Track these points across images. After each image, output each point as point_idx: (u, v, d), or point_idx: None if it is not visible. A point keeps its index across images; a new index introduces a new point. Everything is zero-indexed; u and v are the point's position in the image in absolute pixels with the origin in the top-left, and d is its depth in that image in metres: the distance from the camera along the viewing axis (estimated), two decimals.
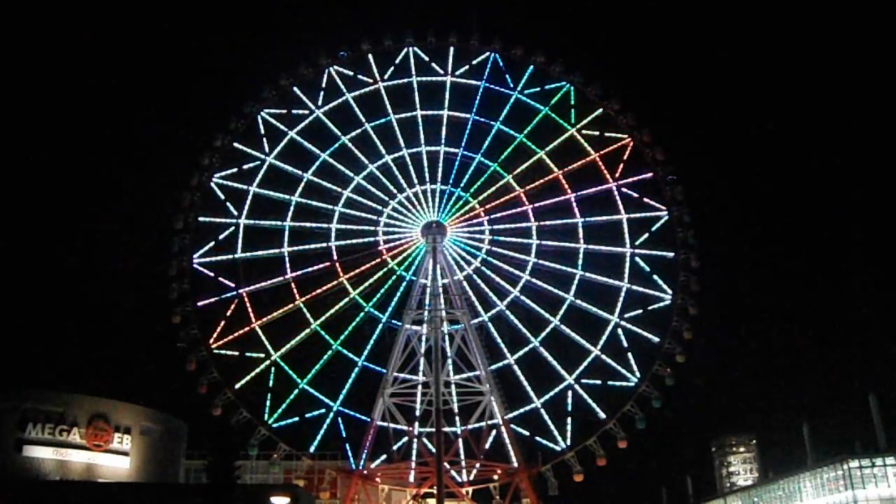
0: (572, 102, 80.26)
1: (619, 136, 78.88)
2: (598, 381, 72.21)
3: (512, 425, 72.15)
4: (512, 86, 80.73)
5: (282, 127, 77.37)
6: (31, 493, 54.30)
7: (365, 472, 71.16)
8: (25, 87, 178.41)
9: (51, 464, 61.06)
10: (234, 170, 75.77)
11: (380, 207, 76.33)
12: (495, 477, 72.65)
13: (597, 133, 79.26)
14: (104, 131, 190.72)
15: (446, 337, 73.68)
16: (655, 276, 74.76)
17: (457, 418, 73.45)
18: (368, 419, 71.80)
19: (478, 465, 72.18)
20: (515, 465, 71.07)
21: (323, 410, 70.38)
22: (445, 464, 70.05)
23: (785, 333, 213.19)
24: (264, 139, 76.84)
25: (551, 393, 71.77)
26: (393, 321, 73.89)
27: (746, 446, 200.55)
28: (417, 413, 72.88)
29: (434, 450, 64.70)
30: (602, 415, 71.29)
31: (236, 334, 71.15)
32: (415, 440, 72.05)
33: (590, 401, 71.50)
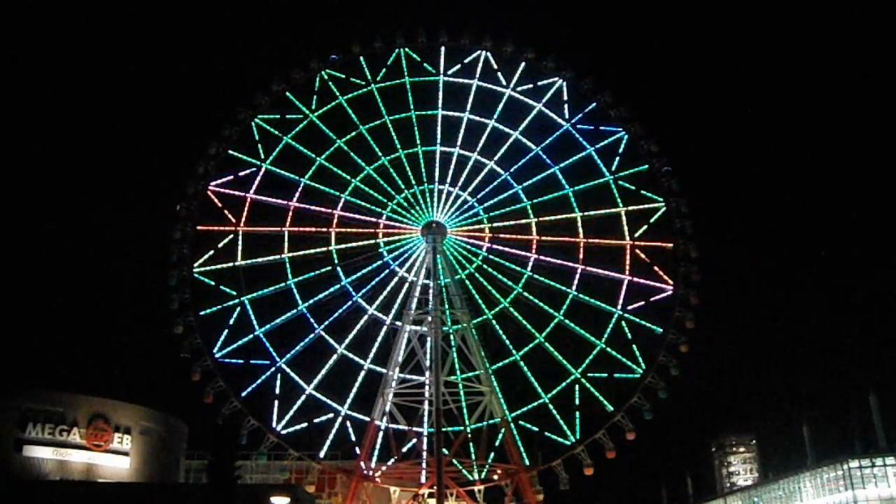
0: (565, 98, 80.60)
1: (614, 129, 79.17)
2: (604, 374, 72.45)
3: (521, 421, 72.33)
4: (504, 83, 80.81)
5: (276, 132, 76.97)
6: (31, 493, 54.22)
7: (365, 472, 70.94)
8: (23, 98, 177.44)
9: (51, 464, 61.10)
10: (231, 177, 75.25)
11: (378, 209, 76.12)
12: (496, 477, 72.86)
13: (591, 127, 79.63)
14: (101, 140, 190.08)
15: (451, 336, 73.75)
16: (656, 268, 75.18)
17: (464, 418, 73.47)
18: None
19: (481, 464, 72.23)
20: (515, 465, 71.14)
21: (331, 415, 70.19)
22: (456, 463, 70.44)
23: (785, 332, 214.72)
24: (259, 145, 76.42)
25: (558, 388, 71.96)
26: (397, 322, 73.78)
27: (746, 446, 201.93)
28: (423, 413, 72.67)
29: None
30: (610, 407, 71.50)
31: (240, 342, 70.75)
32: (416, 440, 71.98)
33: (597, 394, 71.76)
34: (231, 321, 70.95)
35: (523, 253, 75.63)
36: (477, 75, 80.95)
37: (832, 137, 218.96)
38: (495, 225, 76.95)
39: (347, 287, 73.41)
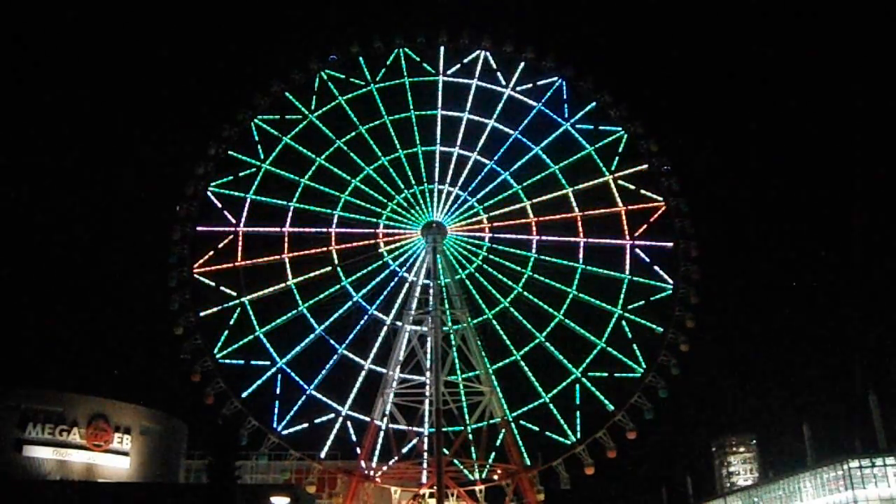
0: (564, 97, 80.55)
1: (613, 128, 79.11)
2: (605, 374, 72.46)
3: (521, 421, 72.31)
4: (504, 83, 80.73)
5: (276, 133, 76.93)
6: (31, 493, 54.32)
7: (366, 472, 70.93)
8: (23, 98, 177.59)
9: (51, 464, 61.35)
10: (230, 178, 75.17)
11: (378, 209, 76.11)
12: (496, 477, 72.88)
13: (590, 126, 79.60)
14: (100, 140, 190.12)
15: (451, 336, 73.76)
16: (656, 267, 75.21)
17: (464, 418, 73.47)
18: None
19: (482, 464, 72.24)
20: (515, 465, 71.17)
21: (332, 415, 70.14)
22: (457, 463, 70.45)
23: (785, 332, 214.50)
24: (259, 146, 76.37)
25: (559, 387, 71.94)
26: (397, 322, 73.80)
27: (746, 446, 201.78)
28: (424, 413, 72.68)
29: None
30: (610, 407, 71.47)
31: (240, 343, 70.61)
32: (417, 440, 71.97)
33: (598, 393, 71.70)
34: (231, 322, 70.89)
35: (523, 252, 75.71)
36: (476, 75, 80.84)
37: (832, 136, 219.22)
38: (495, 225, 76.93)
39: (348, 287, 73.39)
